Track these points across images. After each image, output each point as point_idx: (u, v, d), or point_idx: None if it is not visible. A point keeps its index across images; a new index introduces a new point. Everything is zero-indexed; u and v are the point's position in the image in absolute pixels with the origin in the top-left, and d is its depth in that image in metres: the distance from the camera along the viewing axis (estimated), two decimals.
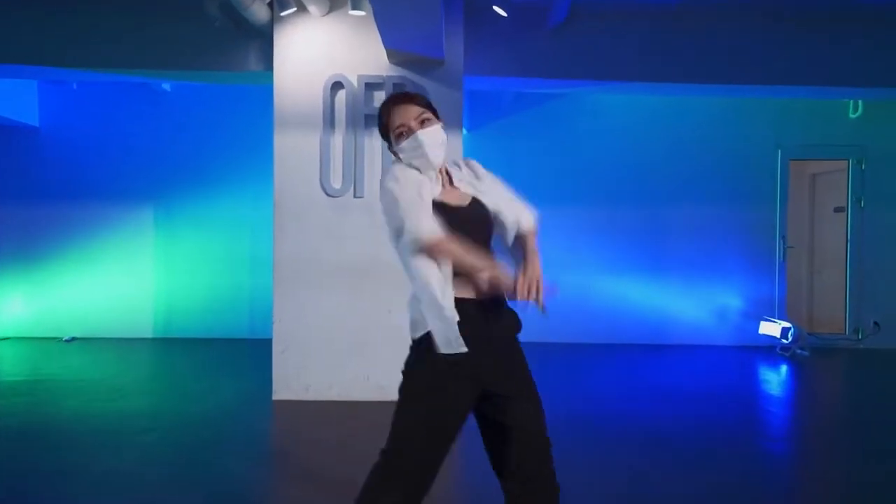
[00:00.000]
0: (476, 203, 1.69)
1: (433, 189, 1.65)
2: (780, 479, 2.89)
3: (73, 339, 6.15)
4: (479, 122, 6.34)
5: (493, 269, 1.56)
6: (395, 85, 3.90)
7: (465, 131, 6.33)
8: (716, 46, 4.39)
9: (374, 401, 3.89)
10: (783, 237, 6.23)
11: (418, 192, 1.60)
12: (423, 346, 1.61)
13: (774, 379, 5.02)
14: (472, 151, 6.36)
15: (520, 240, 1.72)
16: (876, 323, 6.15)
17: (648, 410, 3.89)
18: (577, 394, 4.30)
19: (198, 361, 5.26)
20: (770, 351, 5.92)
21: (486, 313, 1.61)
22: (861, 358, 5.79)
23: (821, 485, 2.87)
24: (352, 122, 3.92)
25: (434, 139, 1.65)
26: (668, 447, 3.17)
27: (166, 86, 6.26)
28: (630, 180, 6.25)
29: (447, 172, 1.75)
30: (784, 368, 5.32)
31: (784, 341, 5.71)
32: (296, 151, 3.95)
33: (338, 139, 3.94)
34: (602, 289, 6.23)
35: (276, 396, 3.95)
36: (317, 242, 3.95)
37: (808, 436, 3.66)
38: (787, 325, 5.73)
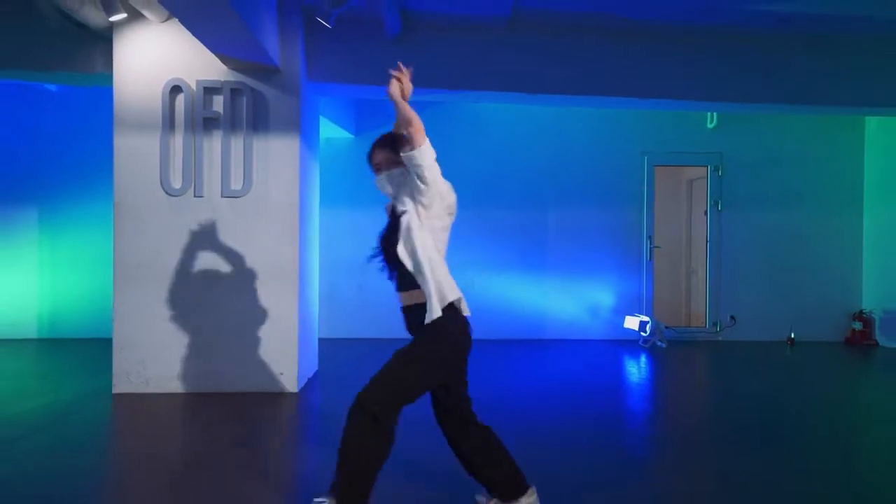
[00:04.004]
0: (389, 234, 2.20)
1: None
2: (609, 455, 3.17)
3: None
4: (366, 127, 6.56)
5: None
6: (232, 90, 4.09)
7: (352, 136, 6.58)
8: (552, 58, 4.71)
9: (211, 392, 4.05)
10: (650, 238, 6.66)
11: None
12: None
13: (631, 369, 5.34)
14: (360, 155, 6.57)
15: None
16: (732, 317, 6.62)
17: (515, 402, 4.05)
18: None
19: (61, 360, 5.29)
20: (634, 344, 6.31)
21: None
22: (714, 348, 6.22)
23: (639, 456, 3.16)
24: (191, 125, 4.08)
25: (380, 182, 2.25)
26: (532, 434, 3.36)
27: (52, 86, 6.29)
28: (509, 185, 6.57)
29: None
30: (642, 360, 5.68)
31: (643, 334, 6.11)
32: (136, 153, 4.09)
33: (178, 141, 4.10)
34: (485, 287, 6.53)
35: (115, 390, 4.06)
36: (157, 241, 4.08)
37: (629, 416, 3.97)
38: (645, 318, 6.13)
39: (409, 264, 2.07)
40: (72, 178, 6.32)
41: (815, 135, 6.67)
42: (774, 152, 6.66)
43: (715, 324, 6.65)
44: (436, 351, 2.04)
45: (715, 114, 6.49)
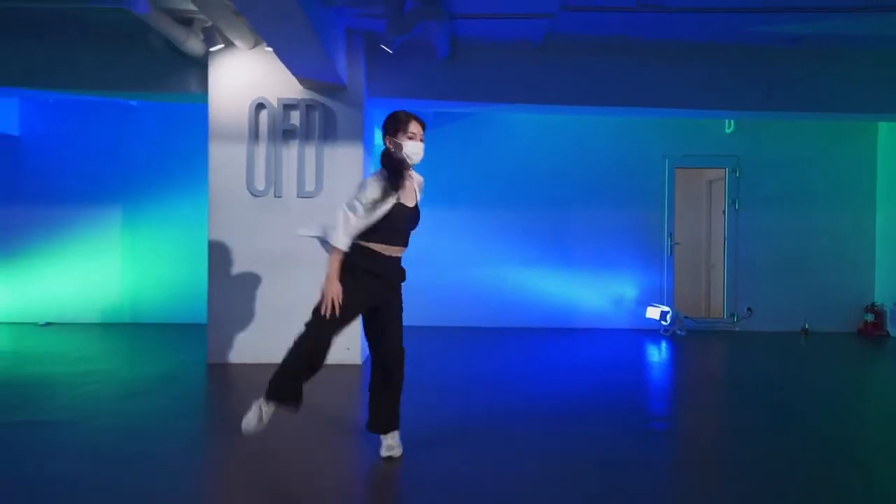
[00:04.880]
0: (417, 209, 2.80)
1: (393, 195, 2.63)
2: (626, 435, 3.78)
3: (49, 324, 6.96)
4: None
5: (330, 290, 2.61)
6: (307, 106, 4.80)
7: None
8: (581, 74, 5.30)
9: None
10: (670, 234, 7.18)
11: (371, 206, 2.58)
12: None
13: (651, 354, 5.88)
14: None
15: None
16: (749, 308, 7.10)
17: (544, 382, 4.60)
18: (492, 370, 5.17)
19: (152, 340, 6.10)
20: (656, 332, 6.84)
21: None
22: (731, 338, 6.72)
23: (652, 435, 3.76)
24: (272, 136, 4.82)
25: (422, 149, 2.76)
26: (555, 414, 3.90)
27: (134, 101, 7.12)
28: (539, 187, 7.17)
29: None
30: (663, 346, 6.22)
31: (663, 323, 6.64)
32: (227, 160, 4.84)
33: (261, 150, 4.83)
34: (516, 281, 7.14)
35: (209, 360, 4.81)
36: (244, 234, 4.82)
37: (641, 396, 4.56)
38: (666, 309, 6.67)
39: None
40: (150, 181, 7.13)
41: (829, 138, 7.11)
42: (789, 155, 7.12)
43: (732, 315, 7.14)
44: None
45: (733, 121, 6.99)
